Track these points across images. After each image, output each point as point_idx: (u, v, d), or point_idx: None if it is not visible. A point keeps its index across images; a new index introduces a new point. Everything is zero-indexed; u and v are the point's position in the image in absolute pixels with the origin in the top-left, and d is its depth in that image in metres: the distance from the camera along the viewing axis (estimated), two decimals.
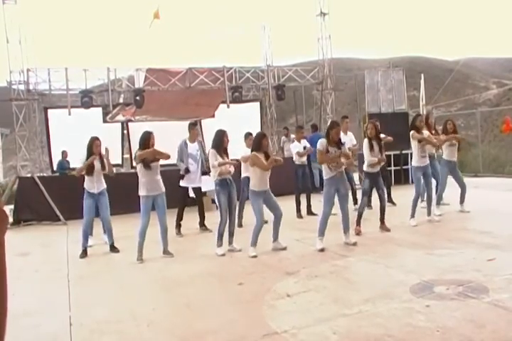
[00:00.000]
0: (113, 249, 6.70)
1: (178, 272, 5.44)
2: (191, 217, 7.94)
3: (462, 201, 7.79)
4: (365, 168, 6.91)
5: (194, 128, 7.99)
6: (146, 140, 6.10)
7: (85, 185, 6.57)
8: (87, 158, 6.53)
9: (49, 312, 4.35)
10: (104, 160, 6.65)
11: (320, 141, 6.11)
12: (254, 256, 5.81)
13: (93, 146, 6.52)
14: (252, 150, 6.06)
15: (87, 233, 6.65)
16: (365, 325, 3.45)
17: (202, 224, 7.88)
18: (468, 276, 4.36)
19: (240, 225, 7.88)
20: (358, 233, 6.58)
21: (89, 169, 6.49)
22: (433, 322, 3.38)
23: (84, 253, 6.56)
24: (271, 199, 6.04)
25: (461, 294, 3.92)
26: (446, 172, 7.80)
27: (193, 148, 7.81)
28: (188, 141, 7.81)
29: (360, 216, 6.76)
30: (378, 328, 3.37)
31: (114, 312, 4.22)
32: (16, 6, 11.19)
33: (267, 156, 6.02)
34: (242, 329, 3.57)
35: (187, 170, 7.71)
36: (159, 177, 6.12)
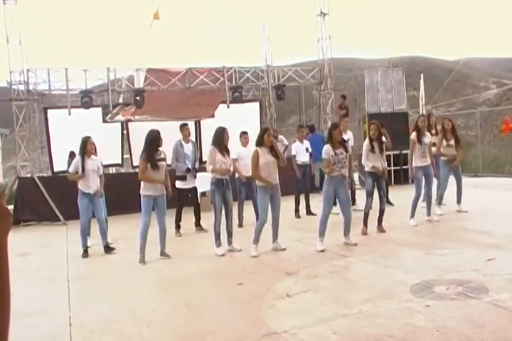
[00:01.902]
0: (107, 249, 6.68)
1: (177, 272, 5.45)
2: (191, 217, 7.94)
3: (459, 200, 7.79)
4: (366, 168, 6.87)
5: (186, 128, 7.97)
6: (157, 140, 6.05)
7: (80, 186, 6.57)
8: (82, 157, 6.56)
9: (49, 312, 4.35)
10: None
11: (325, 149, 6.03)
12: (255, 256, 5.82)
13: (87, 144, 6.54)
14: (256, 145, 6.06)
15: (86, 233, 6.66)
16: (365, 325, 3.45)
17: (197, 224, 7.89)
18: (468, 276, 4.36)
19: (241, 225, 7.89)
20: (365, 234, 6.59)
21: (82, 170, 6.51)
22: (433, 322, 3.38)
23: (86, 253, 6.58)
24: (276, 199, 6.01)
25: (461, 294, 3.92)
26: (447, 172, 7.78)
27: (187, 148, 7.82)
28: (183, 142, 7.82)
29: (366, 216, 6.72)
30: (378, 328, 3.37)
31: (114, 312, 4.22)
32: (16, 6, 11.18)
33: (273, 151, 6.01)
34: (242, 329, 3.57)
35: (188, 170, 7.71)
36: (163, 177, 6.08)
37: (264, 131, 6.09)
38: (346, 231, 6.13)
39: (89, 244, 6.82)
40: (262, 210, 5.99)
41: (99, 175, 6.74)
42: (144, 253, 6.01)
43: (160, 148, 6.12)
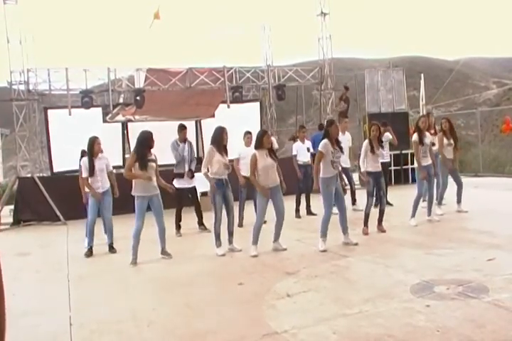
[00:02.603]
0: (111, 249, 6.70)
1: (178, 272, 5.44)
2: (191, 217, 7.94)
3: (459, 200, 7.79)
4: (367, 168, 6.84)
5: (184, 130, 7.98)
6: (148, 140, 5.97)
7: (91, 184, 6.61)
8: (89, 157, 6.59)
9: (49, 312, 4.35)
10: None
11: (324, 142, 6.03)
12: (255, 256, 5.81)
13: (94, 145, 6.55)
14: (255, 148, 6.05)
15: (92, 231, 6.65)
16: (365, 325, 3.44)
17: (200, 223, 7.89)
18: (469, 276, 4.36)
19: (241, 225, 7.89)
20: (366, 234, 6.60)
21: (91, 170, 6.56)
22: (433, 322, 3.37)
23: (89, 252, 6.58)
24: (278, 201, 6.00)
25: (461, 294, 3.92)
26: (446, 172, 7.78)
27: (183, 148, 7.83)
28: (178, 142, 7.83)
29: (367, 216, 6.73)
30: (378, 328, 3.37)
31: (114, 312, 4.22)
32: (16, 6, 11.18)
33: (272, 153, 6.01)
34: (242, 329, 3.56)
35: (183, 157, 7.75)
36: (154, 177, 6.01)
37: (262, 134, 6.07)
38: (344, 228, 6.12)
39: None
40: (259, 212, 5.97)
41: (110, 172, 6.79)
42: (135, 255, 5.97)
43: (151, 150, 6.03)
